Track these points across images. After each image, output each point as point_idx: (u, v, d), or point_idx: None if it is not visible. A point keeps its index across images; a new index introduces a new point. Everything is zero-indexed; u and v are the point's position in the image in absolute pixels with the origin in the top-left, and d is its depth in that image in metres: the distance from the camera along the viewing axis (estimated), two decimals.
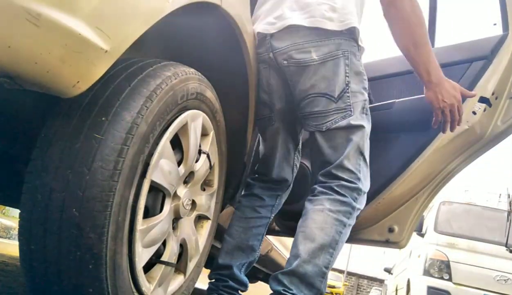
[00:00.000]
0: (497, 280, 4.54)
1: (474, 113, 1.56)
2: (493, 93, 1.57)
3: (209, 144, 1.09)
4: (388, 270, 10.71)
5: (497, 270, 4.59)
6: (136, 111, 0.72)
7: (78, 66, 0.58)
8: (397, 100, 1.70)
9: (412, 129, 1.64)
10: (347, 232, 1.25)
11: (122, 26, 0.64)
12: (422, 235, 5.41)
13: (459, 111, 1.40)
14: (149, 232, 0.83)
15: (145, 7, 0.68)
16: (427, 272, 4.77)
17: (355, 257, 23.72)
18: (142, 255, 0.82)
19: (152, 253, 0.86)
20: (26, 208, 0.69)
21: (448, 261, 4.72)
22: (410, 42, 1.35)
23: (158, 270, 0.91)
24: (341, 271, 24.46)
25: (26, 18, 0.50)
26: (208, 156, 1.07)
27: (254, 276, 2.35)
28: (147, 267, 0.88)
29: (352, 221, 1.26)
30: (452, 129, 1.44)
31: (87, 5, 0.57)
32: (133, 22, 0.66)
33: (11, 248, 2.81)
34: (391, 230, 1.77)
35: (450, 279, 4.64)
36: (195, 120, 0.98)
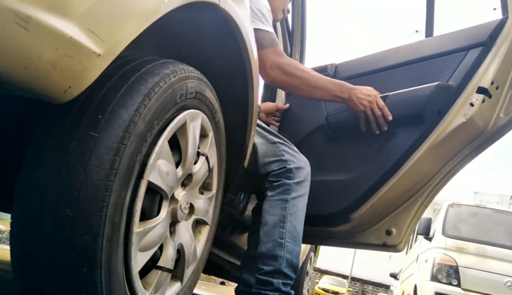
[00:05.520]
0: (508, 285, 4.54)
1: (472, 105, 1.52)
2: (492, 83, 1.52)
3: (208, 146, 1.10)
4: (394, 276, 10.72)
5: (507, 276, 4.59)
6: (134, 109, 0.73)
7: (70, 71, 0.58)
8: (389, 93, 1.68)
9: (405, 124, 1.61)
10: (294, 204, 1.49)
11: (116, 29, 0.63)
12: (430, 239, 5.41)
13: (379, 105, 1.62)
14: (146, 235, 0.83)
15: (140, 8, 0.68)
16: (434, 278, 4.77)
17: (360, 262, 23.70)
18: (138, 259, 0.82)
19: (148, 258, 0.86)
20: (18, 209, 0.69)
21: (457, 266, 4.71)
22: (305, 93, 1.66)
23: (154, 276, 0.91)
24: (345, 276, 24.47)
25: (15, 21, 0.50)
26: (207, 158, 1.08)
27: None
28: (143, 272, 0.88)
29: (295, 194, 1.50)
30: (380, 127, 1.64)
31: (78, 7, 0.57)
32: (127, 24, 0.65)
33: (1, 251, 2.82)
34: (388, 233, 1.75)
35: (458, 285, 4.64)
36: (194, 121, 0.98)
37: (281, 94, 2.22)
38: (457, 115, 1.53)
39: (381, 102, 1.63)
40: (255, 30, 1.44)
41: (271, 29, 1.59)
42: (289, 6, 1.91)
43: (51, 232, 0.67)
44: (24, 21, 0.50)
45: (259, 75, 1.46)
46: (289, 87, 1.68)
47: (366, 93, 1.63)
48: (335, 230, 1.79)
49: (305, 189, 1.54)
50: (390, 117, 1.61)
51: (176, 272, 1.05)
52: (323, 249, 25.32)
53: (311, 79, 1.63)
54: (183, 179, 0.98)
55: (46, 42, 0.54)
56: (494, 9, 1.66)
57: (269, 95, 2.16)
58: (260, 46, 1.51)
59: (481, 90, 1.52)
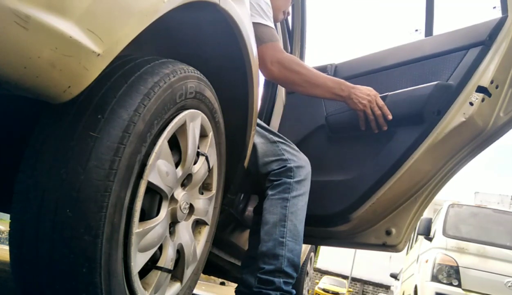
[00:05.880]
0: (509, 286, 4.55)
1: (471, 104, 1.52)
2: (492, 82, 1.52)
3: (207, 146, 1.10)
4: (394, 276, 10.74)
5: (508, 276, 4.60)
6: (133, 109, 0.73)
7: (69, 71, 0.58)
8: (389, 93, 1.68)
9: (405, 123, 1.61)
10: (295, 203, 1.49)
11: (115, 28, 0.63)
12: (430, 239, 5.42)
13: (378, 105, 1.63)
14: (145, 235, 0.83)
15: (140, 7, 0.68)
16: (435, 278, 4.77)
17: (360, 262, 23.71)
18: (138, 260, 0.82)
19: (148, 258, 0.86)
20: (17, 209, 0.69)
21: (457, 266, 4.72)
22: (305, 90, 1.64)
23: (154, 276, 0.92)
24: (345, 277, 24.47)
25: (14, 21, 0.50)
26: (206, 158, 1.08)
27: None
28: (143, 273, 0.88)
29: (296, 192, 1.50)
30: (379, 127, 1.65)
31: (78, 7, 0.57)
32: (127, 24, 0.65)
33: (0, 252, 2.82)
34: (388, 233, 1.75)
35: (459, 285, 4.64)
36: (193, 120, 0.98)
37: (281, 94, 2.22)
38: (457, 115, 1.53)
39: (381, 102, 1.63)
40: (254, 24, 1.43)
41: (271, 24, 1.58)
42: (289, 8, 1.90)
43: (50, 232, 0.67)
44: (23, 20, 0.50)
45: (259, 70, 1.46)
46: (289, 83, 1.66)
47: (366, 92, 1.63)
48: (335, 230, 1.79)
49: (305, 188, 1.54)
50: (390, 117, 1.61)
51: (176, 273, 1.05)
52: (323, 249, 25.33)
53: (312, 76, 1.62)
54: (182, 179, 0.98)
55: (45, 42, 0.54)
56: (494, 7, 1.66)
57: (269, 95, 2.16)
58: (259, 41, 1.49)
59: (480, 89, 1.52)
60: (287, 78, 1.61)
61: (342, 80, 1.66)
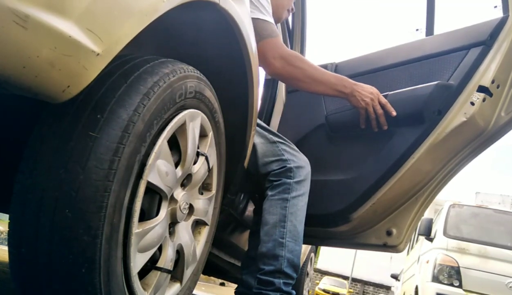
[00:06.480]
0: (510, 286, 4.55)
1: (472, 104, 1.52)
2: (493, 81, 1.52)
3: (207, 146, 1.10)
4: (395, 276, 10.74)
5: (509, 276, 4.60)
6: (133, 109, 0.73)
7: (69, 70, 0.58)
8: (389, 93, 1.68)
9: (405, 123, 1.62)
10: (295, 203, 1.48)
11: (115, 28, 0.63)
12: (431, 240, 5.42)
13: (381, 103, 1.62)
14: (145, 235, 0.83)
15: (139, 7, 0.68)
16: (436, 279, 4.77)
17: (361, 263, 23.70)
18: (137, 260, 0.82)
19: (147, 258, 0.87)
20: (16, 209, 0.69)
21: (458, 267, 4.72)
22: (307, 86, 1.63)
23: (154, 277, 0.92)
24: (345, 277, 24.47)
25: (13, 20, 0.50)
26: (206, 158, 1.08)
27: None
28: (142, 273, 0.88)
29: (295, 193, 1.50)
30: (380, 126, 1.64)
31: (77, 6, 0.57)
32: (126, 23, 0.65)
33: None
34: (389, 233, 1.75)
35: (460, 286, 4.64)
36: (193, 120, 0.98)
37: (281, 94, 2.22)
38: (458, 115, 1.53)
39: (384, 99, 1.63)
40: (254, 19, 1.41)
41: (271, 20, 1.57)
42: (292, 5, 1.90)
43: (50, 233, 0.67)
44: (22, 20, 0.50)
45: (260, 66, 1.45)
46: (291, 79, 1.64)
47: (368, 90, 1.63)
48: (335, 231, 1.79)
49: (305, 188, 1.54)
50: (394, 113, 1.61)
51: (176, 273, 1.05)
52: (324, 250, 25.33)
53: (315, 72, 1.62)
54: (182, 179, 0.98)
55: (44, 41, 0.54)
56: (495, 7, 1.66)
57: (269, 95, 2.16)
58: (259, 36, 1.48)
59: (481, 89, 1.52)
60: (289, 74, 1.59)
61: (345, 77, 1.65)
